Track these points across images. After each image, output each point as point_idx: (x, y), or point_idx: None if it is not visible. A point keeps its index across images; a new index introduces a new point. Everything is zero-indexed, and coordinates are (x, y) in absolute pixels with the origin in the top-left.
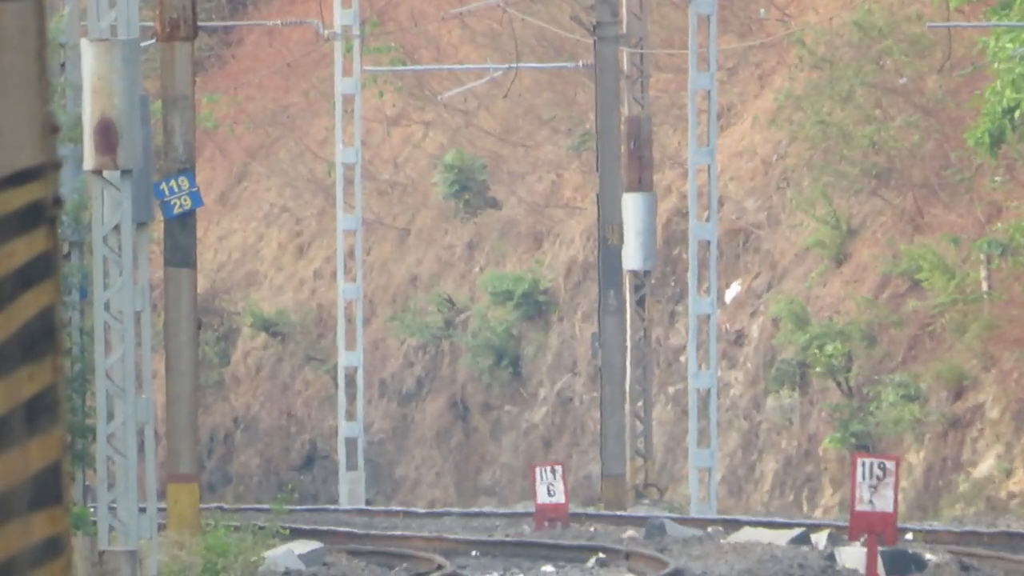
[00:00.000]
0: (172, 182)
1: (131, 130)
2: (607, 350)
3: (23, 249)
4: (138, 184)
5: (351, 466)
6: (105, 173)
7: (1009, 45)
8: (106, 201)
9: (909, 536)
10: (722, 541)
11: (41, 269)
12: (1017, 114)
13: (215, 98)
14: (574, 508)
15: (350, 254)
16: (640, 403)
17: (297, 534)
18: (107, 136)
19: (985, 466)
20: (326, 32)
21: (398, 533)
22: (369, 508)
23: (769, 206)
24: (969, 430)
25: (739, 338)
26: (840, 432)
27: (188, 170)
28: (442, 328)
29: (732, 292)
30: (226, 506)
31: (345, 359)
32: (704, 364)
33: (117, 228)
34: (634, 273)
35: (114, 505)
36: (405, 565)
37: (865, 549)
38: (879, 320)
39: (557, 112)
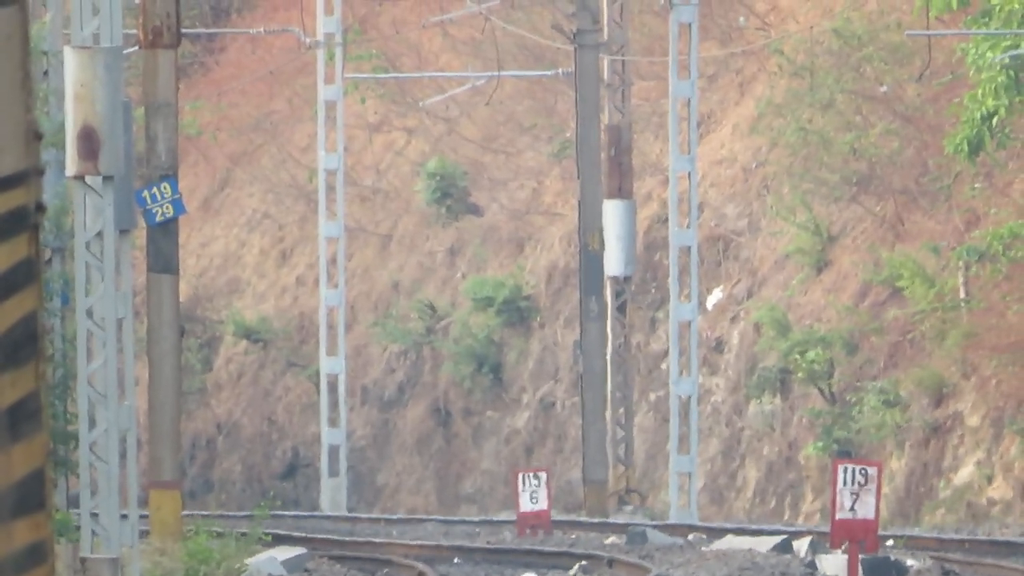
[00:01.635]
0: (155, 189)
1: (113, 136)
2: (588, 356)
3: (5, 255)
4: (120, 191)
5: (333, 473)
6: (88, 179)
7: (989, 53)
8: (88, 207)
9: (890, 543)
10: (704, 548)
11: (23, 275)
12: (995, 121)
13: (198, 105)
14: (556, 515)
15: (332, 261)
16: (621, 409)
17: (279, 540)
18: (89, 142)
19: (965, 472)
20: (308, 40)
21: (380, 540)
22: (351, 515)
23: (749, 213)
24: (949, 437)
25: (720, 344)
26: (822, 439)
27: (171, 177)
28: (424, 334)
29: (713, 298)
30: (209, 512)
31: (327, 366)
32: (685, 370)
33: (100, 234)
34: (615, 279)
35: (96, 512)
36: (387, 571)
37: (846, 556)
38: (860, 327)
39: (538, 119)
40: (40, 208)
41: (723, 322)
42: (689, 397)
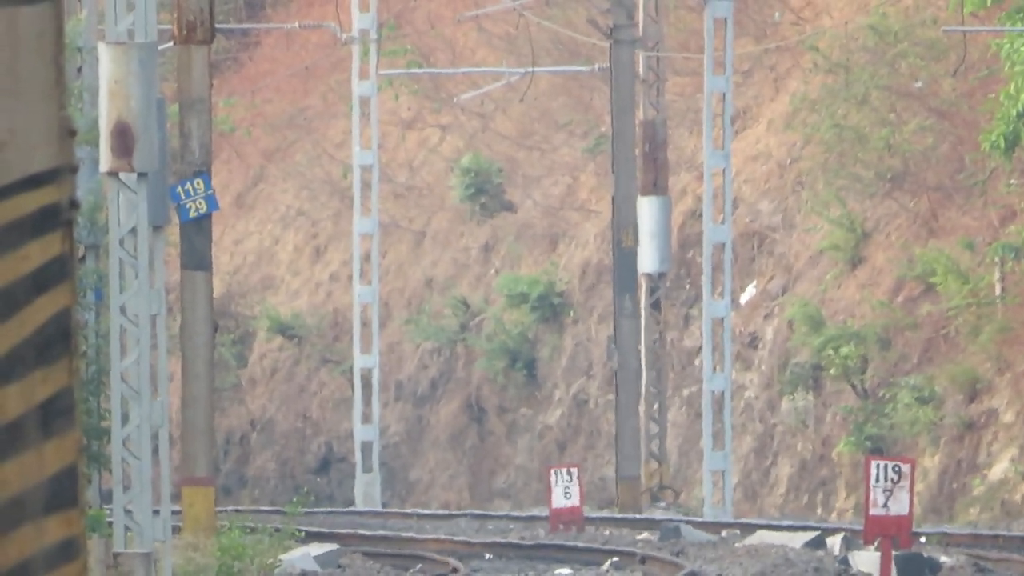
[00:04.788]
0: (188, 185)
1: (148, 133)
2: (622, 353)
3: (38, 252)
4: (154, 187)
5: (367, 468)
6: (121, 176)
7: (1023, 49)
8: (122, 204)
9: (924, 539)
10: (737, 545)
11: (56, 272)
12: None
13: (232, 101)
14: (589, 511)
15: (366, 257)
16: (655, 406)
17: (313, 536)
18: (123, 139)
19: (1000, 469)
20: (343, 35)
21: (413, 535)
22: (385, 510)
23: (784, 209)
24: (984, 433)
25: (753, 340)
26: (855, 435)
27: (204, 173)
28: (457, 331)
29: (747, 295)
30: (242, 508)
31: (361, 362)
32: (719, 366)
33: (133, 231)
34: (649, 276)
35: (129, 507)
36: (420, 567)
37: (879, 553)
38: (894, 323)
39: (573, 115)
40: (74, 205)
41: (757, 318)
42: (722, 393)
